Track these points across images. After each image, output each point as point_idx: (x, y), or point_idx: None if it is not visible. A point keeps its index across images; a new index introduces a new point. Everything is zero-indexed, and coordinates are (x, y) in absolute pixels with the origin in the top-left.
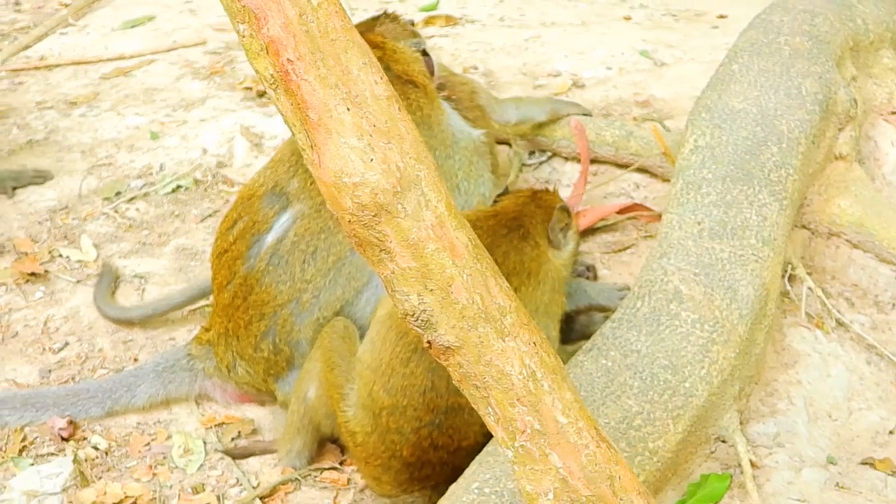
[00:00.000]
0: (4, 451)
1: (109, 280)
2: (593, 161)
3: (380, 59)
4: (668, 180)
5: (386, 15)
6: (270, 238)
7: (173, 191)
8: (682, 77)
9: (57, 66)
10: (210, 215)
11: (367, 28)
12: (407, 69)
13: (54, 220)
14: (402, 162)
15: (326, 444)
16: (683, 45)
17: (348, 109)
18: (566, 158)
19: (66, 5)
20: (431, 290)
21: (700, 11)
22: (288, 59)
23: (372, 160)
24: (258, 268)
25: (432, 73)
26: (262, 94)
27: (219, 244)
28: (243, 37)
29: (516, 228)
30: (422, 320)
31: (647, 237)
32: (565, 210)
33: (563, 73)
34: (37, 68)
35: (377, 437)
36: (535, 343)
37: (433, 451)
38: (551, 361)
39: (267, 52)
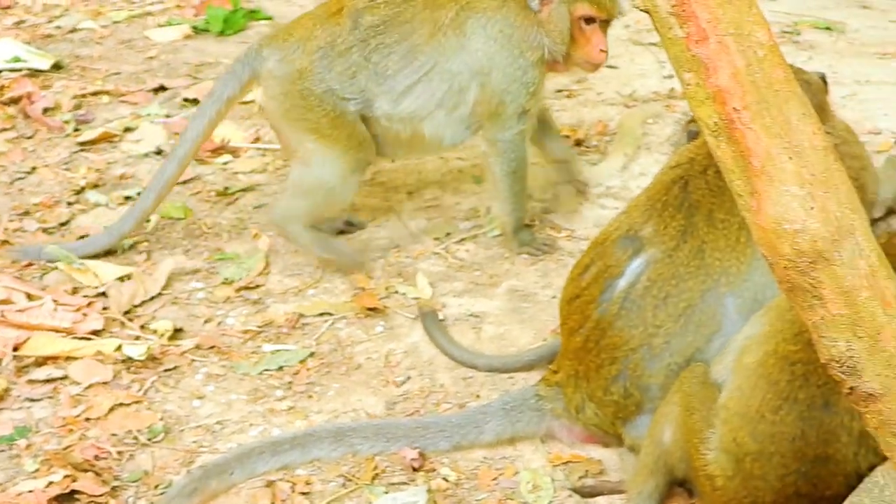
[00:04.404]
0: (358, 479)
1: (434, 318)
2: None
3: None
4: None
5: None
6: (623, 283)
7: (501, 233)
8: None
9: None
10: (541, 259)
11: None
12: None
13: (387, 258)
14: (839, 211)
15: (674, 487)
16: None
17: (790, 158)
18: None
19: None
20: (860, 337)
21: None
22: (734, 108)
23: (812, 208)
24: (611, 312)
25: None
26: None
27: (570, 290)
28: (688, 85)
29: None
30: (847, 367)
31: None
32: None
33: (883, 132)
34: None
35: (739, 482)
36: None
37: (796, 498)
38: None
39: (713, 101)
